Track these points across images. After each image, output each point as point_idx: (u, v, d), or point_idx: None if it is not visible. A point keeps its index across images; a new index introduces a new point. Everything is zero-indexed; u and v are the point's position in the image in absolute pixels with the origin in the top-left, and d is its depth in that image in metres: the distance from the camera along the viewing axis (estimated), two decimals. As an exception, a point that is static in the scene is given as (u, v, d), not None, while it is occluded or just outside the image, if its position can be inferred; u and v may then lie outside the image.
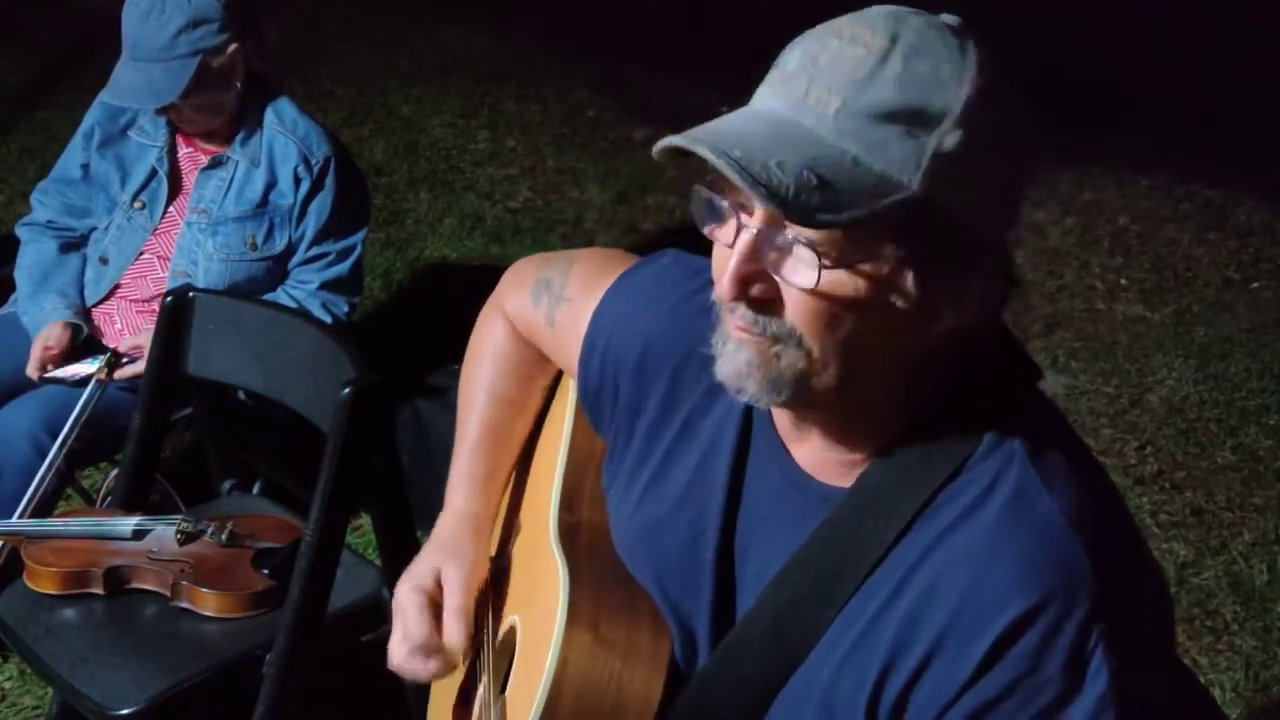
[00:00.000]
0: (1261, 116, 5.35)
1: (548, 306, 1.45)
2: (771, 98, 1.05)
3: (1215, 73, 5.77)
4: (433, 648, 1.41)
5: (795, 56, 1.04)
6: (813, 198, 0.98)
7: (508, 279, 1.55)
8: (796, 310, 1.05)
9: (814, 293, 1.03)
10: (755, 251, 1.05)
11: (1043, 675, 1.04)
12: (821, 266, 1.02)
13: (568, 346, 1.41)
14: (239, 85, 2.75)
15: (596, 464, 1.40)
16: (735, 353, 1.09)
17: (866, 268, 1.03)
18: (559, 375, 1.53)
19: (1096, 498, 1.11)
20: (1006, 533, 1.07)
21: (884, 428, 1.13)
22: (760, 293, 1.06)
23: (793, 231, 1.02)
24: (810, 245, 1.02)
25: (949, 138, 1.00)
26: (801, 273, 1.03)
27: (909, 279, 1.03)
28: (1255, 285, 4.54)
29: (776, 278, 1.05)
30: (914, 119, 1.00)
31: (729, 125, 1.04)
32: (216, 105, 2.75)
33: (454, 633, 1.42)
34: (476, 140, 5.45)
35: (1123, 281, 4.52)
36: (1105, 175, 5.18)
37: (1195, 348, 4.11)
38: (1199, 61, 5.84)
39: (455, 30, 6.43)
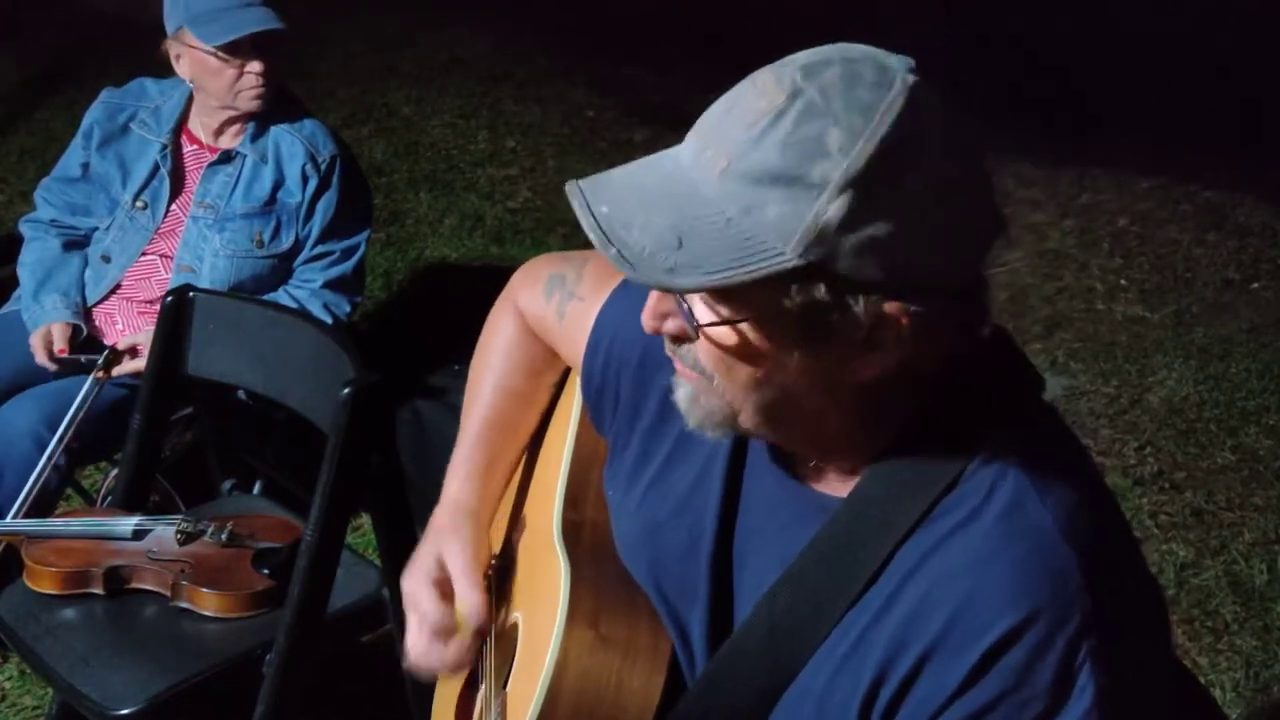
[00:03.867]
0: (1261, 117, 5.35)
1: (559, 302, 1.46)
2: (684, 146, 1.05)
3: (1215, 74, 5.77)
4: (451, 627, 1.41)
5: (716, 105, 1.04)
6: (668, 260, 0.98)
7: (522, 274, 1.56)
8: (701, 350, 1.08)
9: (704, 338, 1.06)
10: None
11: (1029, 690, 1.04)
12: (696, 323, 1.04)
13: (575, 343, 1.42)
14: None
15: (601, 463, 1.41)
16: (679, 384, 1.14)
17: (744, 327, 1.03)
18: (567, 372, 1.54)
19: (1093, 510, 1.10)
20: (1000, 545, 1.06)
21: (864, 447, 1.13)
22: (673, 329, 1.09)
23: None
24: (692, 300, 1.04)
25: (832, 207, 0.96)
26: (687, 324, 1.06)
27: (795, 338, 1.03)
28: (1255, 285, 4.54)
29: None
30: (792, 185, 0.96)
31: (623, 175, 1.05)
32: (279, 76, 2.79)
33: (469, 596, 1.42)
34: (476, 140, 5.45)
35: (1122, 282, 4.52)
36: (1104, 176, 5.18)
37: (1195, 348, 4.11)
38: (1199, 62, 5.84)
39: (456, 30, 6.44)
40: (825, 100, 0.98)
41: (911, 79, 0.99)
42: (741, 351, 1.05)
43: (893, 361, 1.04)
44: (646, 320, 1.10)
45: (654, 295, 1.09)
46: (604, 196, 1.02)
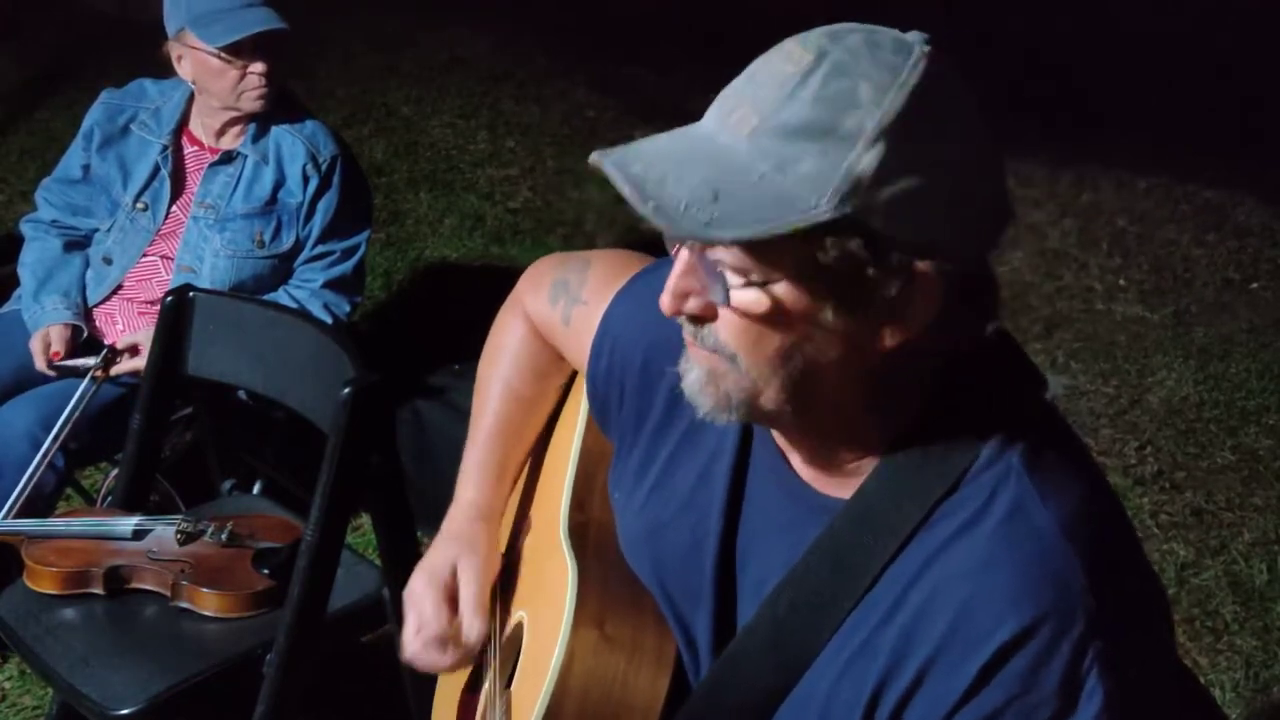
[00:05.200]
0: (1261, 117, 5.35)
1: (564, 307, 1.46)
2: (707, 116, 1.05)
3: (1215, 74, 5.77)
4: (449, 639, 1.42)
5: (741, 76, 1.05)
6: (704, 213, 0.98)
7: (528, 277, 1.56)
8: (724, 327, 1.06)
9: (733, 310, 1.04)
10: (690, 268, 1.07)
11: (1037, 695, 1.04)
12: (729, 286, 1.03)
13: (581, 347, 1.42)
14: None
15: (607, 464, 1.41)
16: (690, 370, 1.11)
17: (779, 288, 1.02)
18: (574, 374, 1.54)
19: (1095, 511, 1.10)
20: (1003, 548, 1.06)
21: (872, 439, 1.13)
22: (696, 308, 1.08)
23: (715, 251, 1.03)
24: (723, 264, 1.03)
25: (865, 158, 0.97)
26: (717, 291, 1.04)
27: (829, 297, 1.02)
28: (1255, 285, 4.54)
29: (708, 295, 1.06)
30: (826, 137, 0.98)
31: (649, 143, 1.04)
32: (281, 77, 2.79)
33: (471, 624, 1.44)
34: (476, 140, 5.45)
35: (1122, 282, 4.53)
36: (1104, 176, 5.18)
37: (1195, 348, 4.12)
38: (1199, 62, 5.84)
39: (456, 30, 6.44)
40: (853, 59, 0.99)
41: (928, 49, 1.01)
42: (773, 317, 1.03)
43: (916, 330, 1.04)
44: (666, 301, 1.08)
45: (675, 274, 1.07)
46: (635, 159, 1.01)
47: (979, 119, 1.03)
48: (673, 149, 1.03)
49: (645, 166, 1.00)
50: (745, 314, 1.04)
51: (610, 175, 1.00)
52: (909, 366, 1.08)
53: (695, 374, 1.11)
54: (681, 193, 0.98)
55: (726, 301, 1.04)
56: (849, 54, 1.00)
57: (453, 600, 1.45)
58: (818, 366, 1.06)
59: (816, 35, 1.02)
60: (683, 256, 1.07)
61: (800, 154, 0.98)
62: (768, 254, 1.01)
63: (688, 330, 1.10)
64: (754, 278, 1.02)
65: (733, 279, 1.03)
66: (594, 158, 1.02)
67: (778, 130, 0.99)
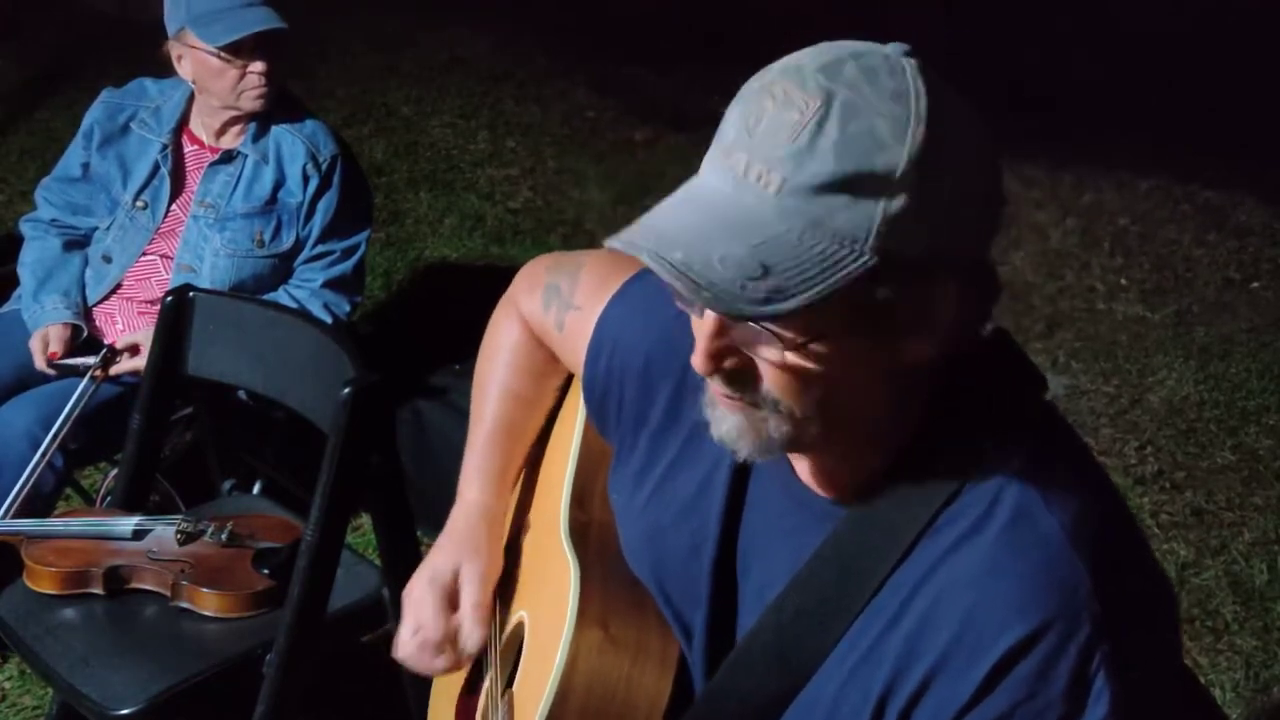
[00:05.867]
0: (1261, 117, 5.35)
1: (557, 311, 1.46)
2: (713, 173, 1.02)
3: (1215, 74, 5.77)
4: (445, 642, 1.43)
5: (732, 123, 1.02)
6: (758, 290, 0.96)
7: (521, 279, 1.56)
8: (771, 380, 1.05)
9: (783, 366, 1.03)
10: (722, 328, 1.05)
11: (1044, 699, 1.03)
12: (785, 348, 1.02)
13: (576, 351, 1.42)
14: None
15: (608, 463, 1.41)
16: (723, 419, 1.10)
17: (831, 340, 1.01)
18: (572, 374, 1.54)
19: (1099, 511, 1.10)
20: (1007, 553, 1.06)
21: (881, 447, 1.12)
22: (734, 365, 1.06)
23: None
24: (771, 329, 1.01)
25: (897, 198, 0.96)
26: (765, 352, 1.03)
27: (875, 336, 1.02)
28: (1255, 285, 4.54)
29: (747, 352, 1.05)
30: (857, 186, 0.96)
31: (672, 218, 1.01)
32: (281, 77, 2.79)
33: (471, 632, 1.44)
34: (476, 140, 5.45)
35: (1123, 282, 4.53)
36: (1105, 176, 5.18)
37: (1195, 348, 4.12)
38: (1199, 62, 5.84)
39: (456, 30, 6.44)
40: (859, 95, 0.98)
41: (914, 61, 1.01)
42: (824, 367, 1.03)
43: (939, 338, 1.04)
44: (701, 364, 1.06)
45: (706, 337, 1.05)
46: (671, 242, 0.99)
47: (973, 115, 1.03)
48: (701, 223, 1.00)
49: (686, 250, 0.98)
50: (799, 368, 1.03)
51: (654, 268, 0.97)
52: (921, 370, 1.08)
53: (730, 423, 1.09)
54: (731, 272, 0.96)
55: (783, 363, 1.03)
56: (852, 90, 0.98)
57: (453, 605, 1.46)
58: (854, 394, 1.07)
59: (812, 73, 0.99)
60: (711, 320, 1.05)
61: (832, 207, 0.97)
62: (819, 312, 0.99)
63: (720, 387, 1.08)
64: (803, 335, 1.01)
65: (784, 337, 1.02)
66: (615, 245, 1.00)
67: (805, 187, 0.97)
